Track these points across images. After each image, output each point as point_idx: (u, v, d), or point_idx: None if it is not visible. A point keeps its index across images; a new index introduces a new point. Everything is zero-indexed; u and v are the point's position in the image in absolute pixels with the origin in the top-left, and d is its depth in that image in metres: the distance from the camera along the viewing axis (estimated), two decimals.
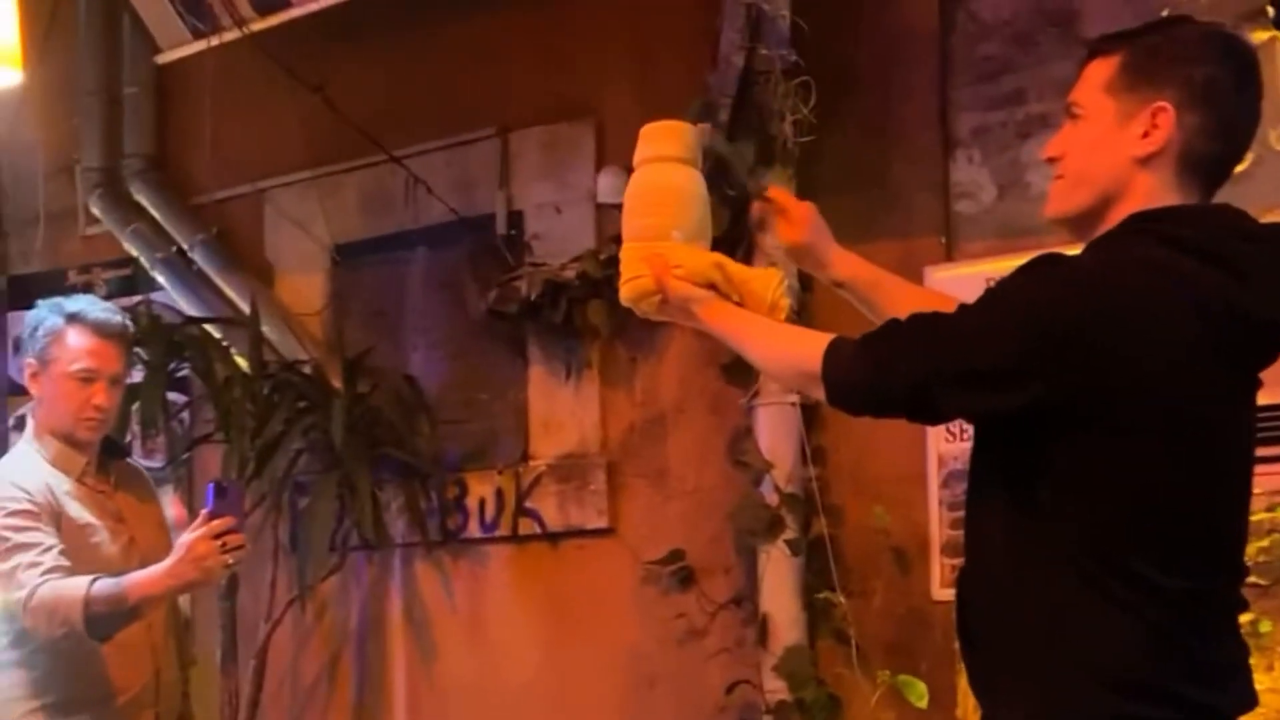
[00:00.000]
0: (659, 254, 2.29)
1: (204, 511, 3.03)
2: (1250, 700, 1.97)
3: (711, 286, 2.28)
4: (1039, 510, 1.92)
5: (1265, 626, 3.20)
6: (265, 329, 4.90)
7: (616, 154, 4.55)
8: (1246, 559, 2.04)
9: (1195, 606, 1.91)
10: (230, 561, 3.06)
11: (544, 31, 4.70)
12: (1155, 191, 1.97)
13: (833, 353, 2.04)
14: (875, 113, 4.13)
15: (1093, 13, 3.85)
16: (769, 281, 2.28)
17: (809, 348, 2.08)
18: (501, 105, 4.77)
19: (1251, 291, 1.89)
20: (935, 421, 2.12)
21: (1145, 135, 1.96)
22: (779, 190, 2.48)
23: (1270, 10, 3.41)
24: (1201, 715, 1.90)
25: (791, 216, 2.42)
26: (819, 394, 2.08)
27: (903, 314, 2.15)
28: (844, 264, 2.42)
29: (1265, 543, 3.27)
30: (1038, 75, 3.94)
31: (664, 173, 2.41)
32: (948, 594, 3.81)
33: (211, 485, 3.08)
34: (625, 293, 2.35)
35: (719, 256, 2.34)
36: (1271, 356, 1.98)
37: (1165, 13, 3.45)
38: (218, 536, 3.00)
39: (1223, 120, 1.98)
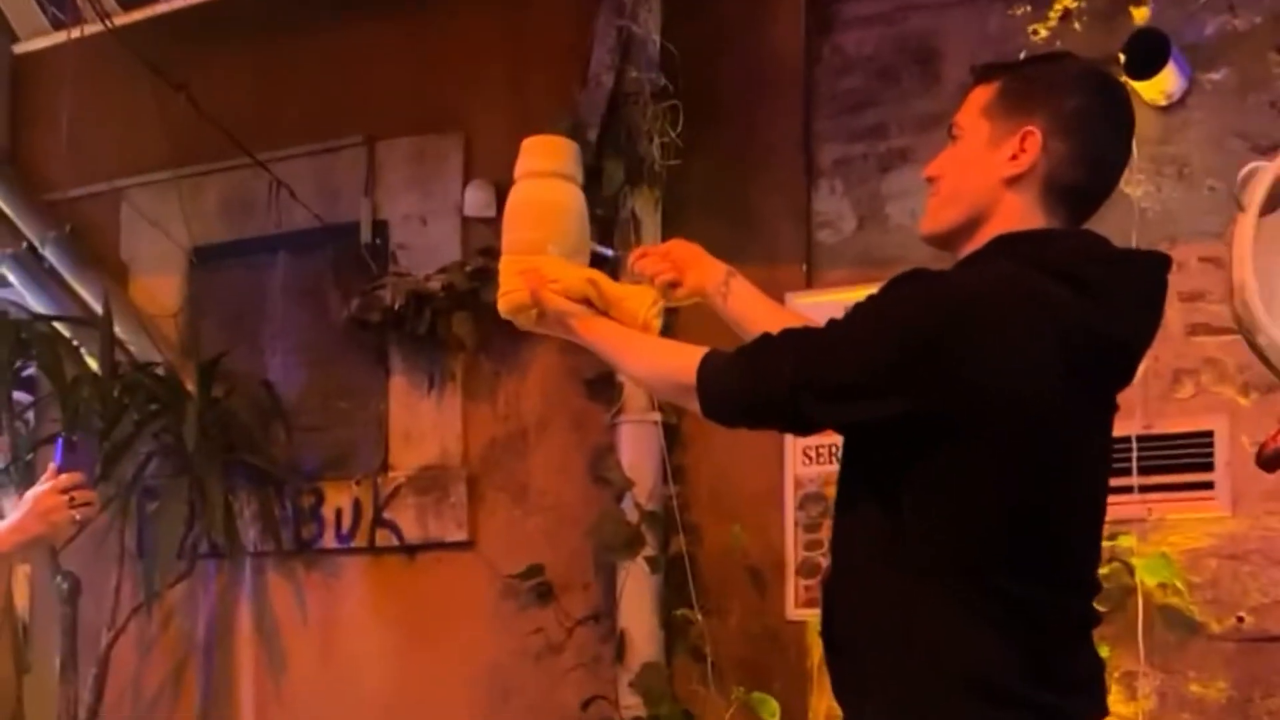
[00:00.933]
0: (535, 268, 2.31)
1: (52, 466, 2.97)
2: (1103, 710, 2.04)
3: (586, 302, 2.31)
4: (903, 520, 1.97)
5: (1104, 651, 3.35)
6: (118, 330, 4.81)
7: (484, 168, 4.57)
8: None
9: (1051, 618, 1.97)
10: (78, 518, 2.99)
11: (416, 43, 4.70)
12: (1021, 213, 2.03)
13: (707, 365, 2.08)
14: (741, 139, 4.20)
15: (954, 52, 3.98)
16: (643, 300, 2.31)
17: (684, 360, 2.12)
18: (370, 114, 4.76)
19: (1108, 314, 1.96)
20: (807, 432, 2.17)
21: (1013, 158, 2.03)
22: (636, 254, 2.49)
23: (1121, 57, 3.55)
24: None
25: (674, 261, 2.43)
26: (694, 406, 2.11)
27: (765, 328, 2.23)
28: (729, 298, 2.42)
29: (1105, 570, 3.43)
30: (899, 110, 4.05)
31: (544, 188, 2.43)
32: (802, 614, 3.91)
33: (60, 439, 3.01)
34: (502, 305, 2.37)
35: (594, 273, 2.36)
36: (1126, 378, 2.06)
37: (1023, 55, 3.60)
38: (65, 492, 2.94)
39: (1089, 151, 2.04)
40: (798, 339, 2.04)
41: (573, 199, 2.44)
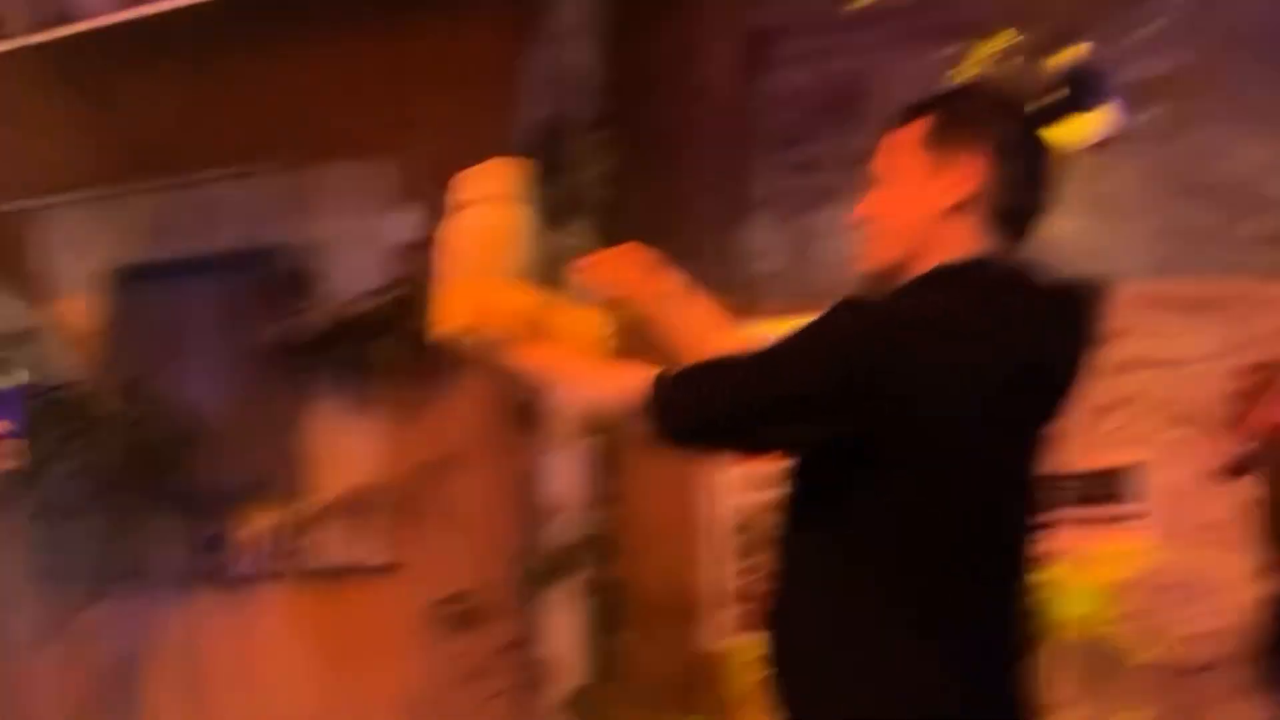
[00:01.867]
0: (476, 293, 2.30)
1: None
2: None
3: (529, 326, 2.31)
4: (846, 539, 1.99)
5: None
6: (38, 349, 4.74)
7: (413, 194, 4.56)
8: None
9: (988, 642, 1.98)
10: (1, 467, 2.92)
11: (347, 68, 4.68)
12: (961, 241, 2.05)
13: (654, 388, 2.07)
14: (677, 171, 4.24)
15: (884, 90, 4.04)
16: (591, 322, 2.32)
17: (630, 384, 2.10)
18: (300, 138, 4.73)
19: (1037, 342, 1.99)
20: (755, 452, 2.17)
21: (952, 188, 2.05)
22: (588, 263, 2.50)
23: (1053, 95, 3.61)
24: None
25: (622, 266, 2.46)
26: (642, 429, 2.09)
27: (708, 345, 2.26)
28: (679, 309, 2.45)
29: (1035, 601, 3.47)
30: (831, 146, 4.11)
31: (486, 213, 2.42)
32: (730, 642, 3.91)
33: None
34: (442, 330, 2.32)
35: (536, 296, 2.36)
36: (1053, 407, 2.06)
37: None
38: None
39: (1021, 177, 2.07)
40: (745, 361, 2.04)
41: (517, 224, 2.44)
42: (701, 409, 2.03)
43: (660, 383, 2.07)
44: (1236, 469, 1.72)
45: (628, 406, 2.10)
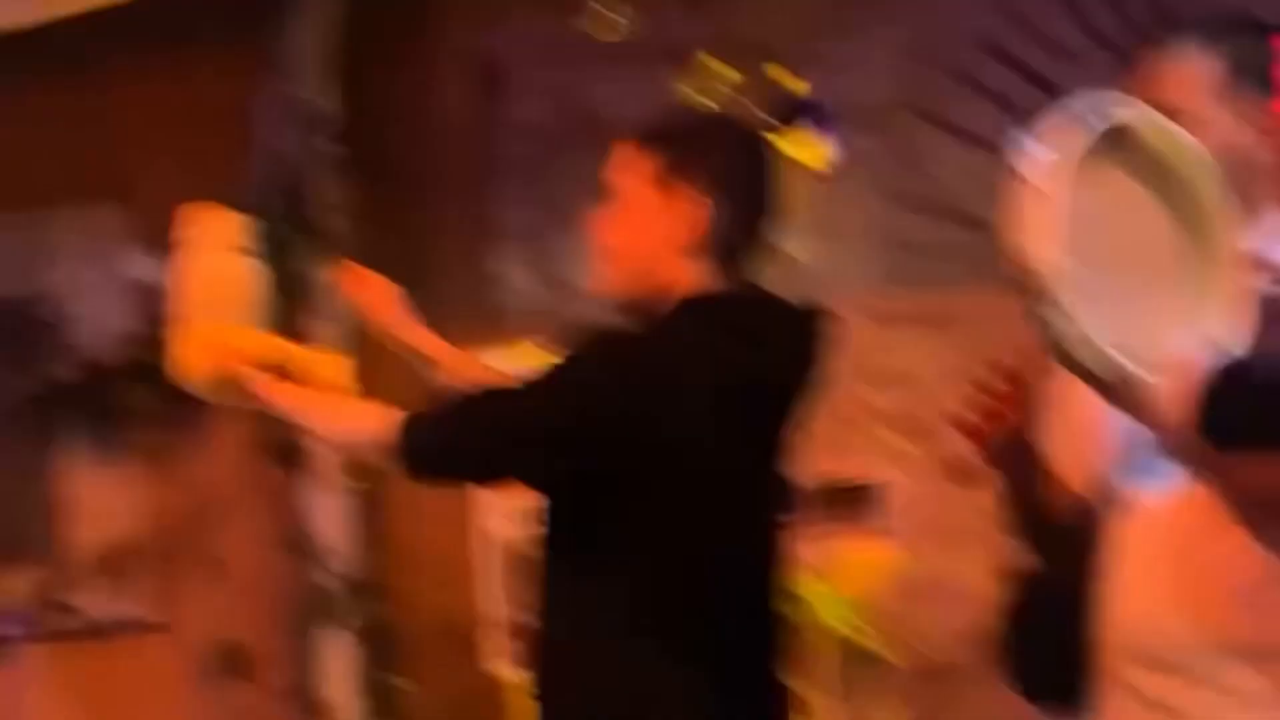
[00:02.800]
0: (216, 337, 2.30)
1: None
2: None
3: (273, 368, 2.30)
4: (596, 572, 2.07)
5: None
6: None
7: (156, 235, 4.47)
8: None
9: (740, 656, 2.10)
10: None
11: (78, 109, 4.56)
12: (698, 276, 2.13)
13: (404, 425, 2.12)
14: (420, 204, 4.27)
15: (621, 118, 4.11)
16: (332, 365, 2.34)
17: (379, 421, 2.15)
18: (34, 182, 4.60)
19: (772, 364, 2.11)
20: (503, 485, 2.25)
21: (683, 225, 2.13)
22: (348, 271, 2.56)
23: (777, 124, 3.76)
24: None
25: (370, 289, 2.52)
26: (393, 465, 2.14)
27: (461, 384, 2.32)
28: (411, 334, 2.51)
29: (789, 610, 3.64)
30: (570, 174, 4.17)
31: (220, 259, 2.41)
32: (507, 672, 3.98)
33: None
34: (183, 376, 2.32)
35: (279, 340, 2.37)
36: (787, 421, 2.19)
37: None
38: None
39: (751, 209, 2.17)
40: (494, 398, 2.11)
41: (250, 269, 2.43)
42: (455, 445, 2.10)
43: (411, 421, 2.12)
44: (966, 472, 1.85)
45: (380, 444, 2.15)
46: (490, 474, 2.18)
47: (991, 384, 1.89)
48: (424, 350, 2.50)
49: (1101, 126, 1.70)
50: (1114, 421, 1.89)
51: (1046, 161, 1.66)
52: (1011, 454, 1.93)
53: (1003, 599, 1.90)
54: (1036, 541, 2.00)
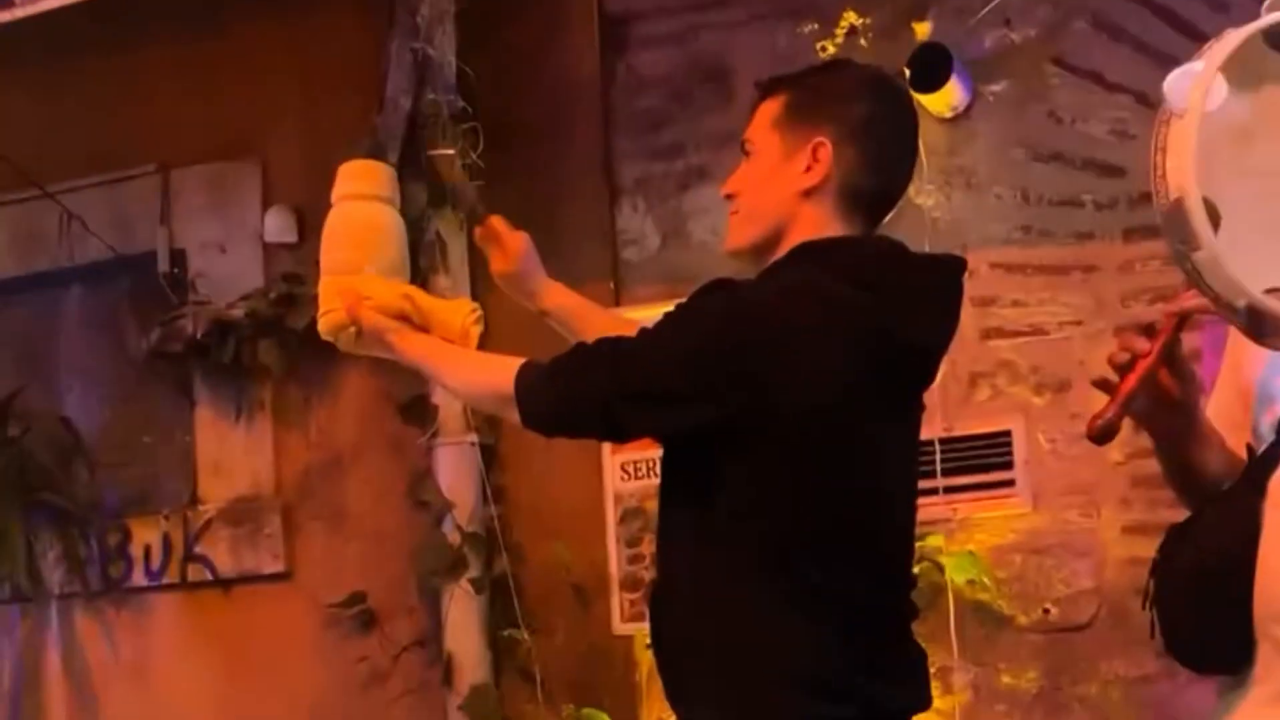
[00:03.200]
0: (352, 287, 2.34)
1: None
2: (926, 699, 2.13)
3: (403, 318, 2.33)
4: (721, 523, 2.04)
5: None
6: None
7: (282, 193, 4.54)
8: None
9: (871, 612, 2.05)
10: None
11: (207, 68, 4.63)
12: (819, 222, 2.10)
13: (523, 377, 2.12)
14: (543, 160, 4.24)
15: (745, 69, 4.07)
16: (460, 310, 2.35)
17: (501, 373, 2.16)
18: (162, 141, 4.67)
19: (904, 318, 2.04)
20: (622, 440, 2.23)
21: (807, 169, 2.10)
22: (498, 219, 2.52)
23: (906, 71, 3.68)
24: (882, 710, 2.04)
25: (505, 246, 2.49)
26: (513, 417, 2.15)
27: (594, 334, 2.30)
28: (551, 294, 2.50)
29: (915, 569, 3.57)
30: (695, 128, 4.15)
31: (360, 209, 2.47)
32: (628, 628, 3.98)
33: None
34: (322, 325, 2.39)
35: (409, 288, 2.40)
36: (925, 380, 2.15)
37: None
38: None
39: (879, 155, 2.12)
40: (610, 349, 2.09)
41: (389, 220, 2.50)
42: (571, 397, 2.09)
43: (530, 371, 2.13)
44: (1105, 433, 1.78)
45: (500, 395, 2.15)
46: (605, 428, 2.14)
47: (1132, 341, 1.81)
48: (558, 304, 2.50)
49: (1259, 26, 1.61)
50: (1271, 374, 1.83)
51: (1192, 75, 1.58)
52: (1157, 411, 1.86)
53: (1154, 554, 1.84)
54: (1188, 497, 1.94)
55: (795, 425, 1.99)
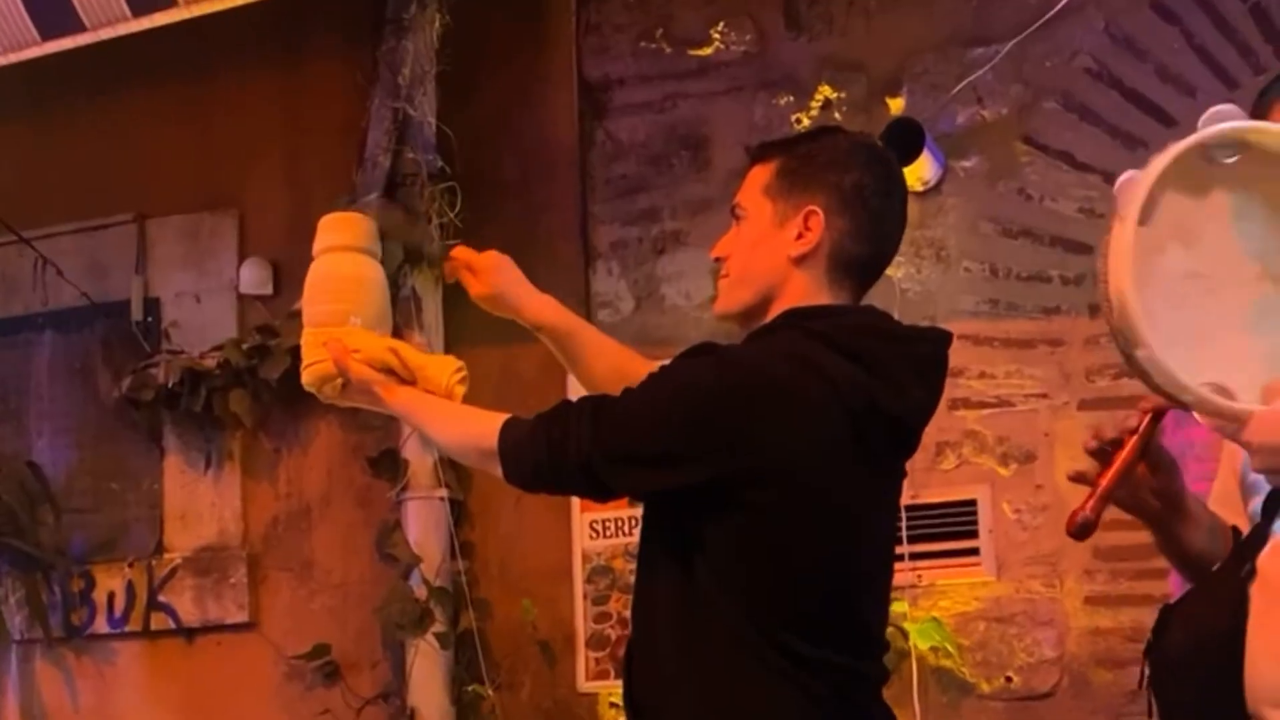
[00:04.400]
0: (338, 339, 2.35)
1: None
2: None
3: (389, 371, 2.34)
4: (700, 585, 2.05)
5: None
6: None
7: (259, 245, 4.57)
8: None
9: (847, 675, 2.07)
10: None
11: (188, 120, 4.67)
12: (809, 289, 2.13)
13: (507, 432, 2.14)
14: (520, 221, 4.28)
15: (722, 139, 4.15)
16: (446, 367, 2.35)
17: (485, 427, 2.17)
18: (140, 191, 4.71)
19: (889, 388, 2.06)
20: (605, 499, 2.23)
21: (799, 237, 2.13)
22: (462, 248, 2.51)
23: (879, 141, 3.74)
24: None
25: (476, 269, 2.46)
26: (497, 471, 2.17)
27: (597, 365, 2.37)
28: (539, 310, 2.47)
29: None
30: (671, 195, 4.21)
31: (343, 261, 2.46)
32: (593, 686, 4.00)
33: None
34: (307, 377, 2.39)
35: (395, 342, 2.40)
36: (906, 450, 2.17)
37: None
38: None
39: (869, 224, 2.15)
40: (595, 407, 2.11)
41: (372, 272, 2.49)
42: (554, 454, 2.10)
43: (514, 427, 2.15)
44: (1084, 529, 1.87)
45: (484, 449, 2.17)
46: (588, 486, 2.14)
47: (1103, 429, 1.90)
48: (551, 322, 2.47)
49: (1194, 140, 1.71)
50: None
51: (1134, 184, 1.68)
52: (1138, 500, 1.94)
53: (1150, 634, 1.88)
54: (1184, 574, 1.99)
55: (777, 489, 2.01)
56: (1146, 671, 1.86)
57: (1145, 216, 1.69)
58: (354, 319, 2.40)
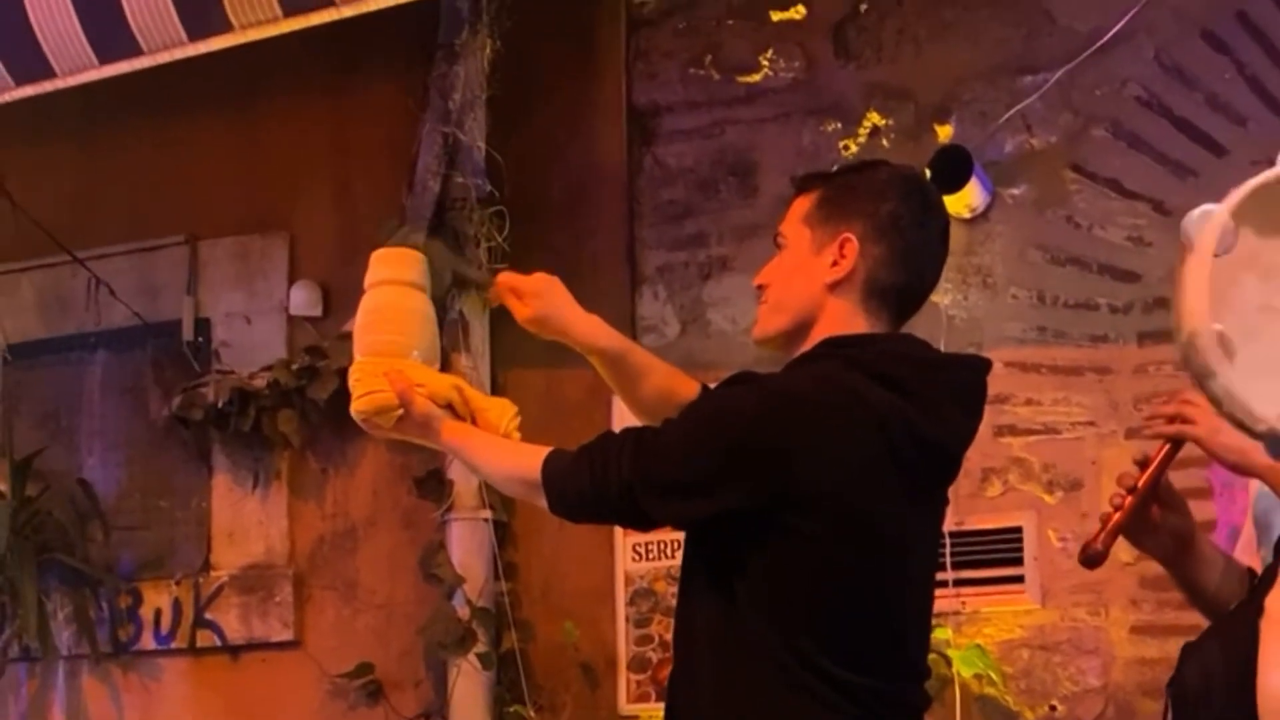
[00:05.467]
0: (400, 370, 2.37)
1: None
2: None
3: (448, 407, 2.38)
4: (740, 610, 2.07)
5: None
6: None
7: (309, 267, 4.62)
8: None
9: (888, 702, 2.09)
10: None
11: (240, 142, 4.73)
12: (845, 316, 2.16)
13: (550, 464, 2.18)
14: (567, 245, 4.30)
15: (769, 165, 4.17)
16: (504, 412, 2.38)
17: (529, 460, 2.21)
18: (193, 212, 4.77)
19: (926, 414, 2.08)
20: (648, 528, 2.27)
21: (834, 264, 2.16)
22: (507, 275, 2.51)
23: (927, 172, 3.76)
24: None
25: (523, 292, 2.44)
26: (542, 502, 2.20)
27: (645, 386, 2.40)
28: (588, 332, 2.45)
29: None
30: (718, 220, 4.23)
31: (401, 294, 2.49)
32: (634, 708, 4.00)
33: None
34: (362, 404, 2.38)
35: (458, 380, 2.44)
36: (946, 476, 2.19)
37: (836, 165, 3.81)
38: None
39: (904, 252, 2.17)
40: (636, 437, 2.13)
41: (426, 307, 2.52)
42: (596, 485, 2.12)
43: (556, 459, 2.18)
44: (1093, 561, 1.95)
45: (530, 482, 2.20)
46: (629, 517, 2.18)
47: (1129, 477, 1.97)
48: (600, 347, 2.46)
49: (1272, 175, 1.73)
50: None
51: (1211, 215, 1.70)
52: (1148, 537, 1.99)
53: (1160, 654, 1.92)
54: (1200, 612, 2.02)
55: (818, 515, 2.03)
56: (1168, 706, 1.90)
57: (1222, 248, 1.72)
58: (416, 352, 2.43)
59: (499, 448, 2.33)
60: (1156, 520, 1.99)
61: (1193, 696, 1.85)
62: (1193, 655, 1.90)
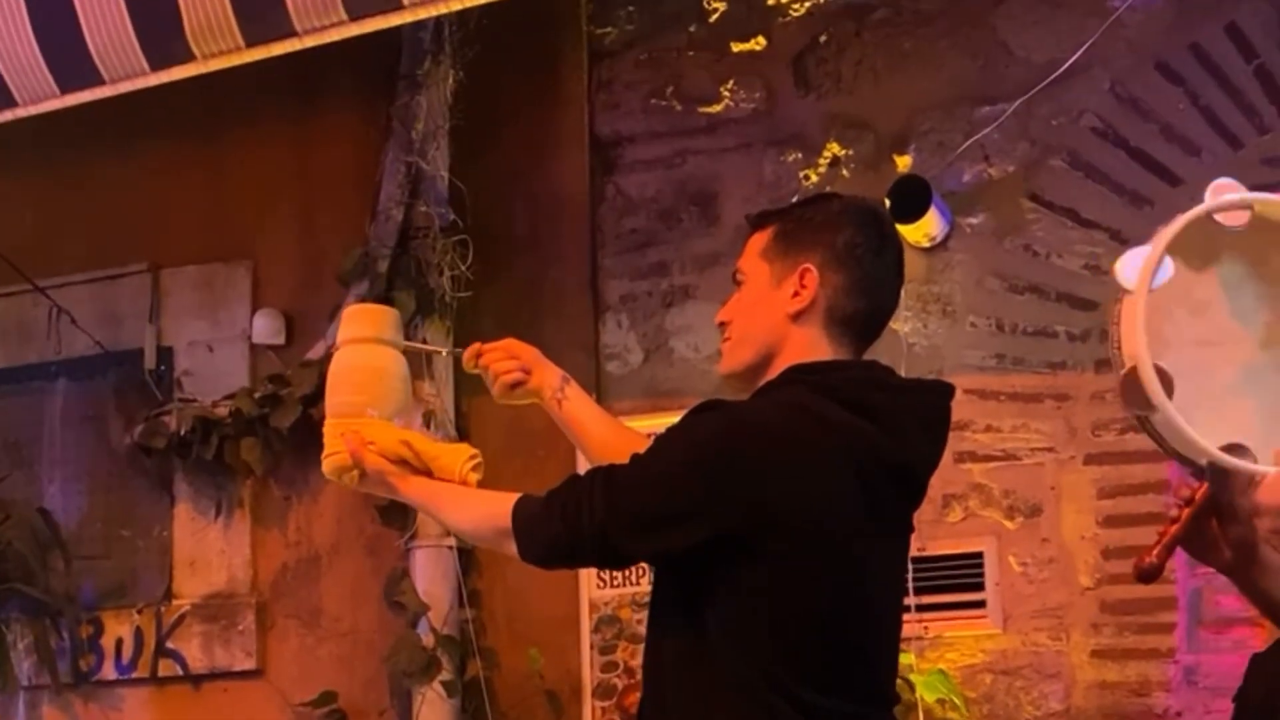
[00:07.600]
0: (356, 430, 2.41)
1: None
2: None
3: (403, 461, 2.40)
4: (709, 636, 2.08)
5: None
6: None
7: (272, 296, 4.62)
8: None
9: None
10: None
11: (203, 171, 4.73)
12: (808, 345, 2.19)
13: (519, 512, 2.18)
14: (530, 274, 4.34)
15: (730, 195, 4.21)
16: (459, 455, 2.40)
17: (498, 508, 2.22)
18: (155, 241, 4.76)
19: (892, 439, 2.12)
20: (621, 566, 2.30)
21: (795, 294, 2.20)
22: (470, 351, 2.58)
23: (887, 201, 3.80)
24: None
25: (491, 366, 2.55)
26: (512, 550, 2.21)
27: (598, 447, 2.41)
28: (554, 399, 2.54)
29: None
30: (680, 249, 4.26)
31: (363, 353, 2.52)
32: None
33: None
34: (326, 466, 2.45)
35: (409, 433, 2.46)
36: (913, 500, 2.22)
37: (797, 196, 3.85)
38: None
39: (863, 279, 2.21)
40: (605, 477, 2.14)
41: (393, 363, 2.54)
42: (568, 530, 2.13)
43: (526, 505, 2.19)
44: (1148, 575, 1.97)
45: (499, 530, 2.21)
46: (602, 557, 2.21)
47: (1183, 488, 1.99)
48: (577, 418, 2.53)
49: (1200, 211, 1.78)
50: None
51: (1143, 254, 1.76)
52: (1208, 551, 2.01)
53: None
54: (1275, 623, 2.05)
55: (788, 541, 2.05)
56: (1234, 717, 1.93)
57: (1154, 284, 1.77)
58: (371, 411, 2.46)
59: (463, 499, 2.35)
60: (1215, 532, 2.00)
61: (1255, 709, 1.89)
62: (1259, 667, 1.94)
